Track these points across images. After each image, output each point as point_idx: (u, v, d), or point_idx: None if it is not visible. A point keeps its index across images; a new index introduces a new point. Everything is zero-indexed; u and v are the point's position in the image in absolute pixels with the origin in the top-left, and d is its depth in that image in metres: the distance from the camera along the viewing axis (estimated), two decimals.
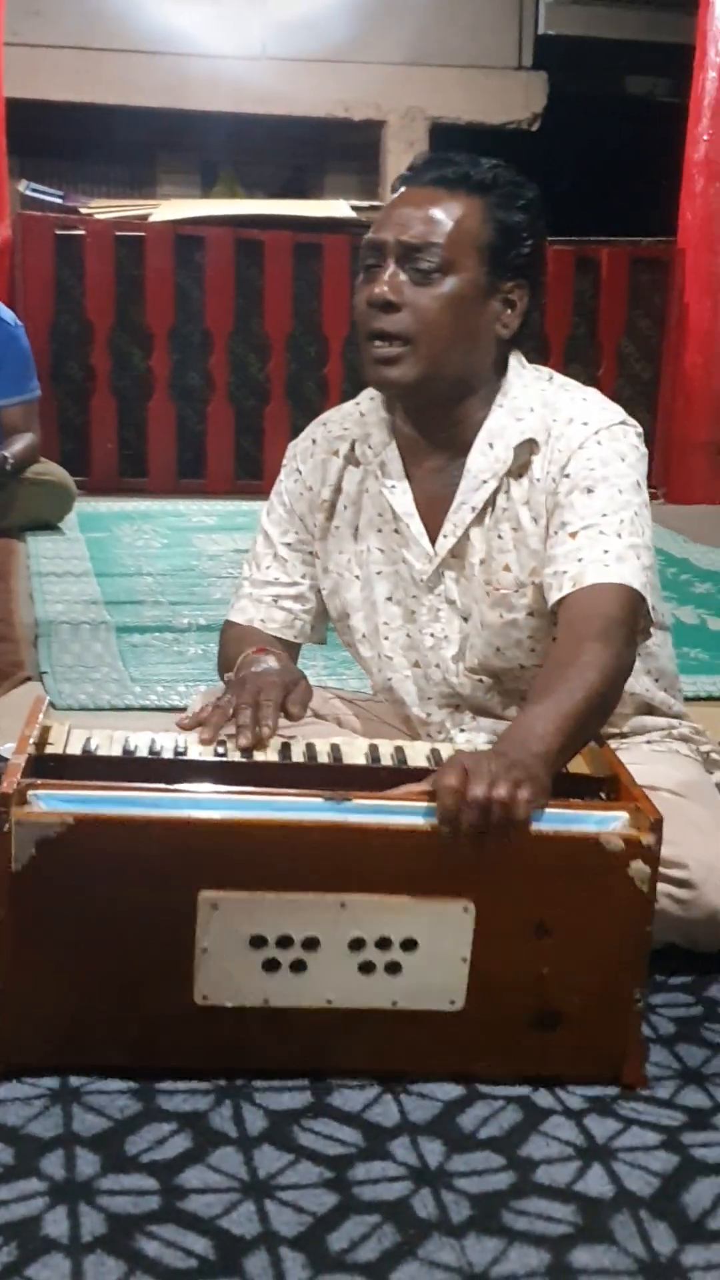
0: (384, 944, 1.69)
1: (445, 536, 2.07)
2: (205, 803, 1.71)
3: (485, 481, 2.04)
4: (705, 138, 6.46)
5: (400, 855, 1.67)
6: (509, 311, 2.03)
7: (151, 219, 6.54)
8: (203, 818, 1.67)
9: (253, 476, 6.54)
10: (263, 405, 6.59)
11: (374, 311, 1.98)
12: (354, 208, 6.91)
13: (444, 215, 1.97)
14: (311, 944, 1.68)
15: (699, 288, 6.55)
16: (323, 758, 1.91)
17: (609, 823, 1.73)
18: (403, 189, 2.03)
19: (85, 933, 1.68)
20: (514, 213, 2.00)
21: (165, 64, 9.35)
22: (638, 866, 1.68)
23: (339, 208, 6.92)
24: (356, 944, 1.69)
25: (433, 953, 1.70)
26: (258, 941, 1.68)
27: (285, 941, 1.68)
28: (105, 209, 6.94)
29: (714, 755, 2.26)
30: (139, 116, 9.60)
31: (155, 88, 9.37)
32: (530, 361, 2.14)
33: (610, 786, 1.85)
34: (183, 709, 3.28)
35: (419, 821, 1.67)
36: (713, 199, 6.46)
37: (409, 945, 1.69)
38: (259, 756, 1.89)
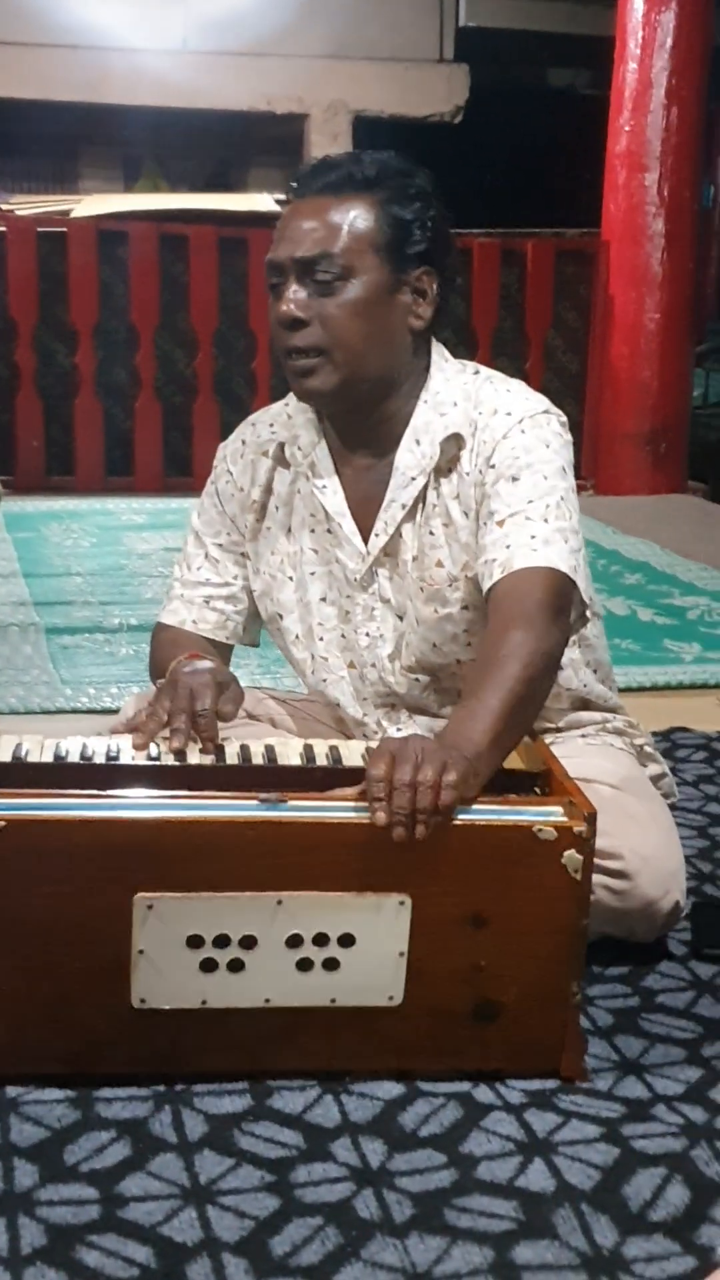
0: (321, 940, 1.69)
1: (377, 535, 2.07)
2: (139, 806, 1.70)
3: (414, 479, 2.04)
4: (626, 129, 6.49)
5: (336, 851, 1.67)
6: (421, 301, 2.01)
7: (74, 215, 6.48)
8: (136, 817, 1.66)
9: (182, 473, 6.50)
10: (190, 401, 6.55)
11: (285, 330, 1.98)
12: (278, 201, 6.89)
13: (335, 221, 1.95)
14: (249, 942, 1.68)
15: (624, 280, 6.58)
16: (257, 759, 1.90)
17: (543, 817, 1.73)
18: (292, 202, 2.01)
19: (19, 938, 1.67)
20: (405, 203, 1.98)
21: (86, 58, 9.29)
22: (571, 855, 1.69)
23: (263, 201, 6.89)
24: (294, 941, 1.69)
25: (370, 948, 1.70)
26: (195, 941, 1.67)
27: (222, 941, 1.67)
28: (26, 205, 6.88)
29: (647, 749, 2.27)
30: (60, 111, 9.54)
31: (76, 82, 9.31)
32: (459, 356, 2.14)
33: (544, 781, 1.86)
34: (115, 711, 3.26)
35: (353, 816, 1.67)
36: (635, 191, 6.49)
37: (346, 941, 1.69)
38: (193, 759, 1.88)
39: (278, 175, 10.64)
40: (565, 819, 1.71)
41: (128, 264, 6.38)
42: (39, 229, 6.31)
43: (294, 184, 2.03)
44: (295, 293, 1.96)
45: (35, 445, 6.40)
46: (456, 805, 1.67)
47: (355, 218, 1.96)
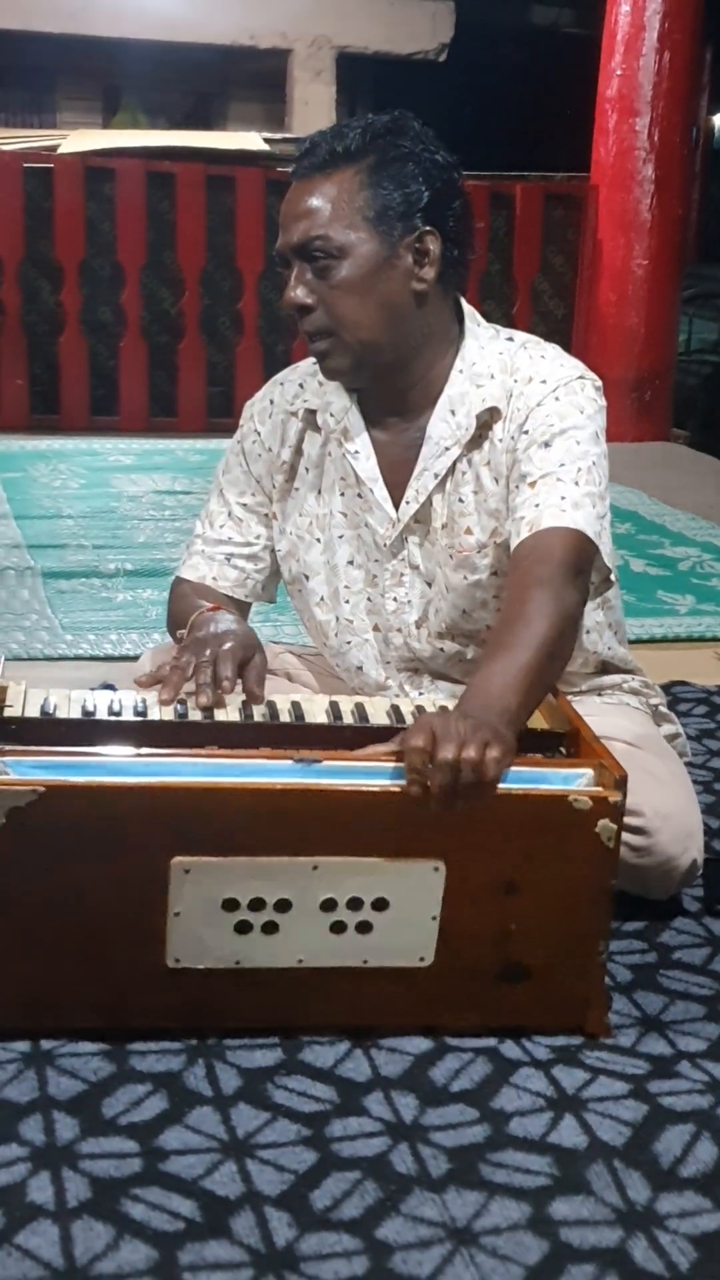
0: (355, 904, 1.70)
1: (408, 503, 2.06)
2: (175, 767, 1.71)
3: (448, 449, 2.04)
4: (618, 73, 6.44)
5: (372, 818, 1.68)
6: (424, 261, 1.98)
7: (60, 151, 6.40)
8: (174, 784, 1.66)
9: (167, 414, 6.47)
10: (176, 341, 6.50)
11: (296, 316, 1.99)
12: (266, 140, 6.82)
13: (320, 201, 1.94)
14: (283, 906, 1.69)
15: (612, 225, 6.56)
16: (284, 716, 1.91)
17: (574, 780, 1.75)
18: (291, 186, 2.00)
19: (56, 898, 1.68)
20: (393, 166, 1.95)
21: None
22: (605, 824, 1.71)
23: (251, 140, 6.82)
24: (328, 905, 1.70)
25: (403, 912, 1.71)
26: (230, 904, 1.68)
27: (257, 904, 1.69)
28: (11, 139, 6.79)
29: (662, 709, 2.29)
30: (39, 42, 9.40)
31: (57, 13, 9.18)
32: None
33: (571, 742, 1.88)
34: (117, 658, 3.28)
35: (389, 784, 1.68)
36: (625, 135, 6.45)
37: (380, 905, 1.71)
38: (220, 716, 1.89)
39: (258, 110, 10.53)
40: (601, 789, 1.72)
41: (114, 201, 6.32)
42: (25, 164, 6.23)
43: (292, 165, 2.01)
44: (299, 279, 1.97)
45: (19, 383, 6.35)
46: (499, 780, 1.66)
47: (340, 193, 1.94)
